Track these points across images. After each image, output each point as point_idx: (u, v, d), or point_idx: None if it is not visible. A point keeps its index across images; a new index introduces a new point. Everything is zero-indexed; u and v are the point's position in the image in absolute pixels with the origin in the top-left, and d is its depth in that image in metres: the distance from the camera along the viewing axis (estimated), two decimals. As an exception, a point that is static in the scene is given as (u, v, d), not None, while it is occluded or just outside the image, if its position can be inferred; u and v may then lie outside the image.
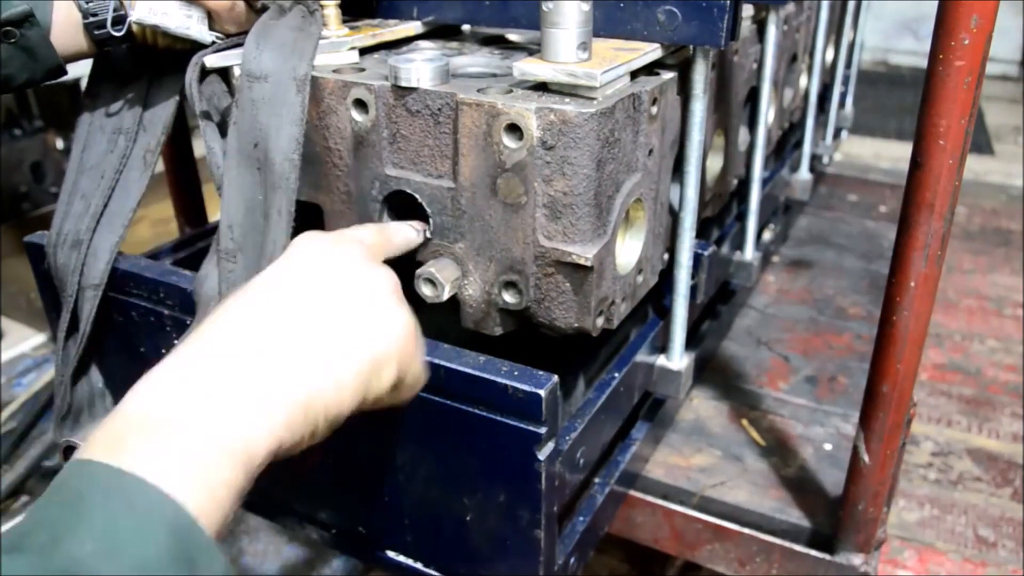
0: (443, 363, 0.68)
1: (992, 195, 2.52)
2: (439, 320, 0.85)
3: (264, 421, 0.45)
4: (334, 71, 0.76)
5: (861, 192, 2.07)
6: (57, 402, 0.83)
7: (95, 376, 0.87)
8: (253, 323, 0.49)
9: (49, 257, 0.81)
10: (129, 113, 0.80)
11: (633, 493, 1.02)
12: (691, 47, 0.79)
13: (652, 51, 0.75)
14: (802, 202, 1.79)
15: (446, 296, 0.75)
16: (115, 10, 0.72)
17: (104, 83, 0.82)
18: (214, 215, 0.81)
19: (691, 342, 1.03)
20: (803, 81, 1.45)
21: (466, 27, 0.98)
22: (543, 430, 0.65)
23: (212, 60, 0.77)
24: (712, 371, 1.30)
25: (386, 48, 0.86)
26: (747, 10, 1.01)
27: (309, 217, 0.80)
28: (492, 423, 0.67)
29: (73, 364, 0.82)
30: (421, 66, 0.69)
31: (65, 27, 0.71)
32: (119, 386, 0.86)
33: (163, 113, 0.81)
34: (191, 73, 0.77)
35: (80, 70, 0.79)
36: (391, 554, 0.83)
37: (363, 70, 0.76)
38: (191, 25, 0.74)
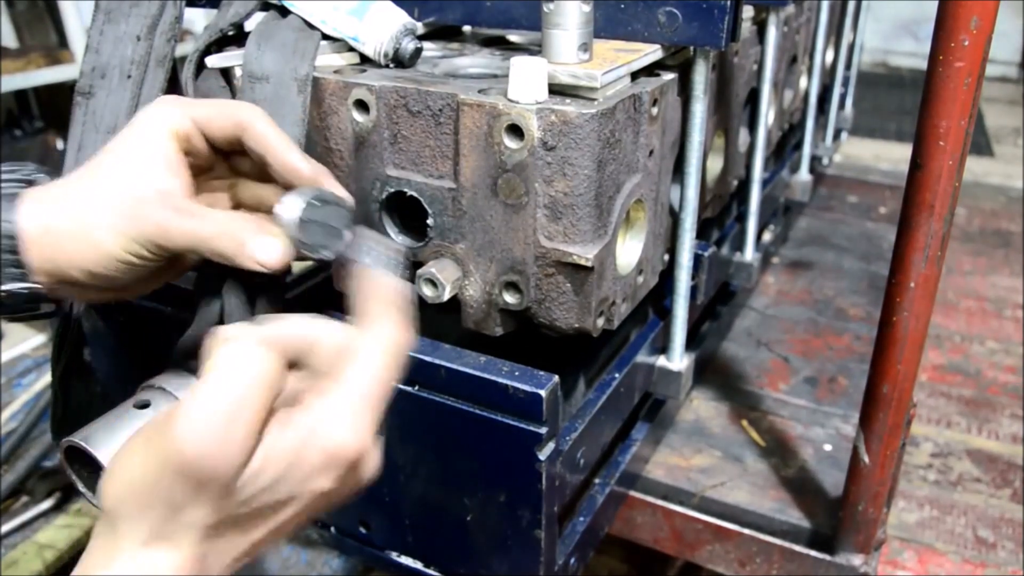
0: (444, 363, 0.68)
1: (992, 197, 2.52)
2: (440, 320, 0.85)
3: None
4: (335, 72, 0.76)
5: (861, 193, 2.07)
6: (53, 408, 0.83)
7: (93, 379, 0.87)
8: None
9: None
10: (122, 112, 0.80)
11: (633, 494, 1.02)
12: (691, 48, 0.79)
13: (653, 52, 0.76)
14: (802, 203, 1.79)
15: (447, 296, 0.75)
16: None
17: (97, 80, 0.82)
18: (215, 215, 0.81)
19: (691, 343, 1.03)
20: (803, 82, 1.45)
21: (467, 28, 0.98)
22: (544, 430, 0.65)
23: (213, 60, 0.77)
24: (712, 372, 1.30)
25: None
26: (747, 11, 1.01)
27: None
28: (493, 423, 0.67)
29: (61, 367, 0.82)
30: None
31: None
32: (118, 386, 0.86)
33: None
34: (187, 71, 0.77)
35: (74, 70, 0.79)
36: (391, 554, 0.83)
37: (364, 71, 0.76)
38: None
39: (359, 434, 0.45)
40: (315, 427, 0.44)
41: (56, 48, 2.97)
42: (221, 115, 0.58)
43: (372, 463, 0.49)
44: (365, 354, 0.47)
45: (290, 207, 0.55)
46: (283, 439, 0.44)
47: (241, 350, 0.43)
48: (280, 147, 0.58)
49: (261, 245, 0.55)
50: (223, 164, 0.63)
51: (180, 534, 0.42)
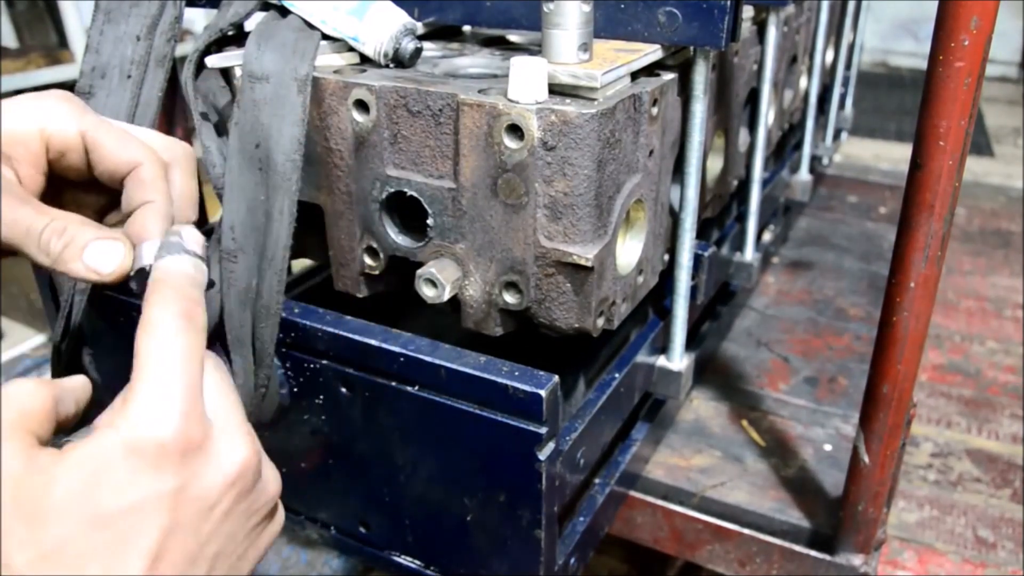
0: (444, 363, 0.68)
1: (992, 197, 2.53)
2: (439, 320, 0.85)
3: None
4: (335, 72, 0.76)
5: (861, 193, 2.07)
6: None
7: (92, 379, 0.87)
8: None
9: None
10: (122, 112, 0.80)
11: (633, 494, 1.02)
12: (691, 48, 0.79)
13: (653, 52, 0.76)
14: (802, 203, 1.79)
15: (447, 296, 0.75)
16: None
17: (97, 80, 0.82)
18: (214, 215, 0.81)
19: (691, 343, 1.03)
20: (803, 82, 1.45)
21: (467, 28, 0.98)
22: (544, 430, 0.65)
23: (213, 60, 0.77)
24: (712, 372, 1.30)
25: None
26: (747, 11, 1.01)
27: (310, 217, 0.81)
28: (493, 423, 0.67)
29: (62, 368, 0.82)
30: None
31: None
32: (117, 387, 0.86)
33: (150, 111, 0.81)
34: (187, 71, 0.77)
35: (74, 70, 0.79)
36: (391, 554, 0.83)
37: (364, 71, 0.76)
38: None
39: (168, 420, 0.40)
40: (111, 432, 0.40)
41: (56, 48, 2.97)
42: (117, 150, 0.51)
43: (227, 447, 0.42)
44: (142, 348, 0.43)
45: (147, 255, 0.50)
46: (83, 450, 0.40)
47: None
48: (156, 211, 0.50)
49: (99, 250, 0.48)
50: (98, 192, 0.55)
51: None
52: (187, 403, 0.41)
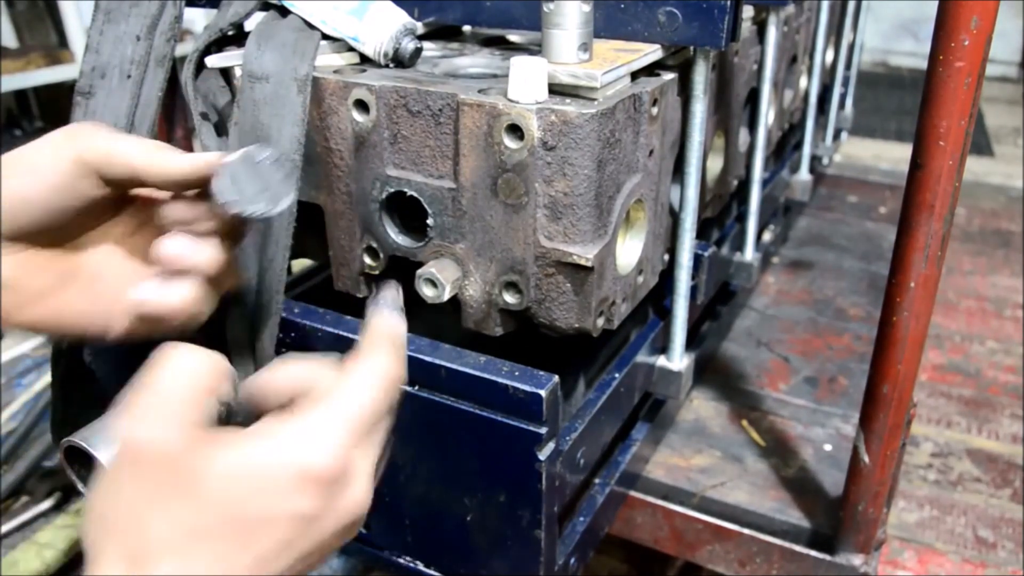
0: (443, 363, 0.68)
1: (992, 196, 2.53)
2: (439, 320, 0.85)
3: None
4: (335, 71, 0.76)
5: (861, 193, 2.08)
6: (52, 408, 0.83)
7: (93, 379, 0.87)
8: None
9: None
10: (122, 112, 0.80)
11: (633, 494, 1.02)
12: (691, 48, 0.79)
13: (653, 52, 0.76)
14: (802, 203, 1.79)
15: (447, 296, 0.75)
16: None
17: (97, 80, 0.82)
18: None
19: (691, 343, 1.03)
20: (803, 82, 1.45)
21: (467, 28, 0.98)
22: (544, 430, 0.65)
23: (213, 60, 0.77)
24: (712, 372, 1.30)
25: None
26: (747, 11, 1.01)
27: (310, 217, 0.81)
28: (493, 423, 0.67)
29: (61, 368, 0.82)
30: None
31: None
32: (119, 387, 0.86)
33: (150, 111, 0.81)
34: (187, 71, 0.77)
35: (74, 70, 0.79)
36: (391, 554, 0.83)
37: (364, 71, 0.76)
38: None
39: (331, 452, 0.42)
40: (285, 441, 0.42)
41: (56, 48, 2.97)
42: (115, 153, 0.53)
43: (357, 492, 0.44)
44: (353, 378, 0.45)
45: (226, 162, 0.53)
46: (251, 448, 0.41)
47: (172, 352, 0.43)
48: (143, 156, 0.53)
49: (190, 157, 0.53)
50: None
51: (153, 554, 0.38)
52: (351, 442, 0.43)
